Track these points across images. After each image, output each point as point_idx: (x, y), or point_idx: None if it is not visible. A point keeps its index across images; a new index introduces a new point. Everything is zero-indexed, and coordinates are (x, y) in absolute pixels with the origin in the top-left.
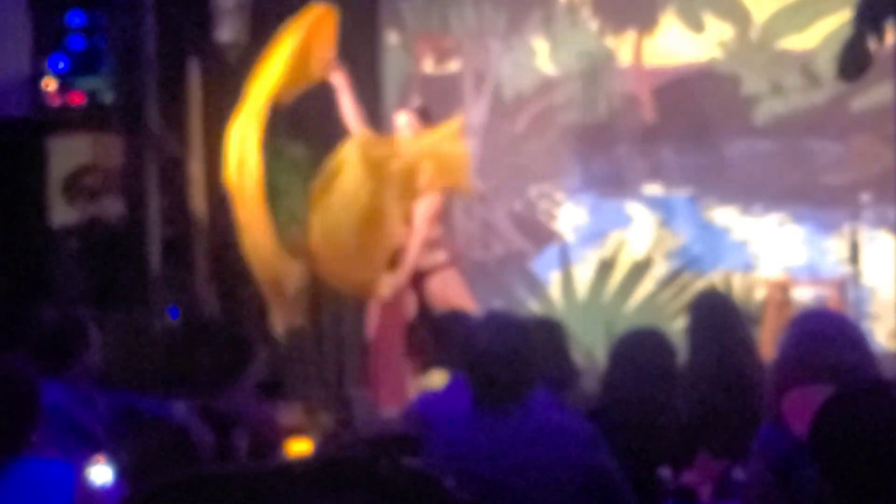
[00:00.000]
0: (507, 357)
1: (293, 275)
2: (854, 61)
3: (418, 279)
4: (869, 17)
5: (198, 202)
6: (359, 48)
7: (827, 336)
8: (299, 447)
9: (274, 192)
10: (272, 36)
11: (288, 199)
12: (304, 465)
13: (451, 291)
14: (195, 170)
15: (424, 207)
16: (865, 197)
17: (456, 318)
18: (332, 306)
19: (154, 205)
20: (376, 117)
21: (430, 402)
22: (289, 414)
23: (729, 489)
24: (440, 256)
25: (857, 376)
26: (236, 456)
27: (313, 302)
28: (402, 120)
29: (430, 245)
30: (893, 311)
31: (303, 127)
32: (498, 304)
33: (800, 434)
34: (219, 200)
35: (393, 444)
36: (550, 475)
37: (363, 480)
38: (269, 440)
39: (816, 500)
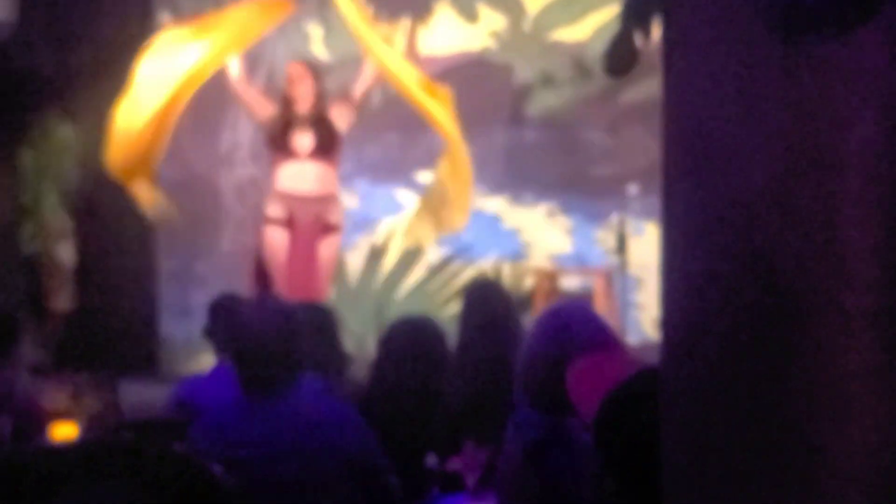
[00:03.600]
0: (274, 343)
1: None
2: (620, 58)
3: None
4: (635, 14)
5: None
6: (133, 30)
7: (567, 328)
8: (64, 431)
9: (41, 174)
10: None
11: (58, 181)
12: (67, 449)
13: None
14: None
15: None
16: (633, 188)
17: (225, 303)
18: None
19: None
20: None
21: (196, 386)
22: (54, 397)
23: (494, 476)
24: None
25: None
26: None
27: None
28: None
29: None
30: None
31: (72, 108)
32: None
33: (584, 410)
34: None
35: (160, 429)
36: (317, 462)
37: (127, 466)
38: (34, 423)
39: (595, 486)
